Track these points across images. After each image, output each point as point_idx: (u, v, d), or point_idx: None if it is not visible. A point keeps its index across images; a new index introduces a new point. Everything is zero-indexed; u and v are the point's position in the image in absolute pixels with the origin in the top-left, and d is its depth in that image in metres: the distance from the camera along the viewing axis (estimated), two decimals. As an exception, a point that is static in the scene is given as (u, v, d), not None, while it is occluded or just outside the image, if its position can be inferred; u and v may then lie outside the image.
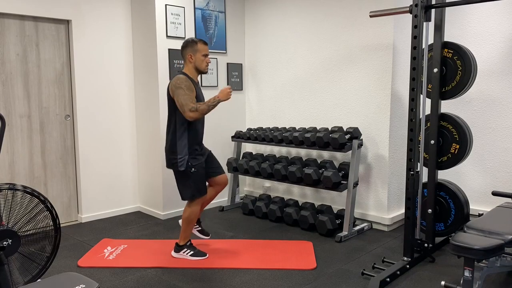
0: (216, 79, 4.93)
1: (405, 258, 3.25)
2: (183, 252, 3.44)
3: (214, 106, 3.25)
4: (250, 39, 5.17)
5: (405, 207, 3.27)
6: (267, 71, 5.00)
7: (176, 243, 3.48)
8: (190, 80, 3.27)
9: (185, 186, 3.33)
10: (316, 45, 4.48)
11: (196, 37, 4.59)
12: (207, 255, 3.47)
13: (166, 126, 3.41)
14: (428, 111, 3.48)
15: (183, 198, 3.40)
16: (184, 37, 4.53)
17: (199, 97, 3.34)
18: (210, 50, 4.81)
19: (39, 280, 2.59)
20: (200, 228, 3.66)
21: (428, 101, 3.51)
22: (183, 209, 3.44)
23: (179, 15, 4.50)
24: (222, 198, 4.96)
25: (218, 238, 3.94)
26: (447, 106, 4.15)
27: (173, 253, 3.48)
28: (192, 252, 3.44)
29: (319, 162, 4.26)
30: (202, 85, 4.68)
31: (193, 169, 3.28)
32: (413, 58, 3.14)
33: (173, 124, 3.29)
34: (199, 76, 3.94)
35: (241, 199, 5.03)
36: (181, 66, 4.52)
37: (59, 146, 4.37)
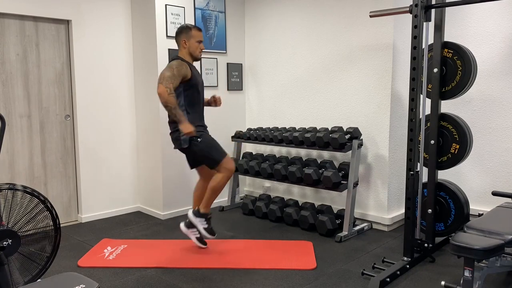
0: (216, 79, 4.93)
1: (405, 258, 3.25)
2: (200, 221, 3.47)
3: (173, 115, 3.22)
4: (250, 39, 5.17)
5: (405, 207, 3.27)
6: (267, 71, 5.00)
7: (198, 208, 3.50)
8: (186, 63, 3.34)
9: (203, 156, 3.36)
10: (316, 45, 4.48)
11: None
12: (216, 235, 3.54)
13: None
14: (428, 111, 3.48)
15: (212, 167, 3.41)
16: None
17: (196, 78, 3.40)
18: (210, 50, 4.85)
19: (39, 280, 2.59)
20: (199, 236, 3.62)
21: (428, 101, 3.51)
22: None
23: (179, 15, 4.50)
24: (222, 198, 4.96)
25: (218, 238, 3.94)
26: (447, 106, 4.15)
27: (189, 214, 3.51)
28: (206, 226, 3.47)
29: (319, 162, 4.26)
30: (202, 85, 4.68)
31: (199, 139, 3.32)
32: (413, 58, 3.14)
33: None
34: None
35: (241, 199, 5.03)
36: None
37: (59, 146, 4.37)
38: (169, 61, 3.40)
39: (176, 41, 3.46)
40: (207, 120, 3.73)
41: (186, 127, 3.21)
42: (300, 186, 4.45)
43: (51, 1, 4.12)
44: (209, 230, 3.49)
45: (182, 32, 3.42)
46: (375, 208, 4.15)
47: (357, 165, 3.96)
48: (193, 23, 4.65)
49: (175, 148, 3.47)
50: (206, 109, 3.80)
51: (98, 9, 4.43)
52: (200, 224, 3.47)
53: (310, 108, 4.60)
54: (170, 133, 3.45)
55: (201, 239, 3.61)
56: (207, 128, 3.57)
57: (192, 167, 3.66)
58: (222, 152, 3.41)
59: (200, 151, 3.37)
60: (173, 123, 3.38)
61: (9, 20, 3.98)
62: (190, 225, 3.58)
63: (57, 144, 4.36)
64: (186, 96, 3.36)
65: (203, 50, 3.49)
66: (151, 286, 2.99)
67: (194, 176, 4.68)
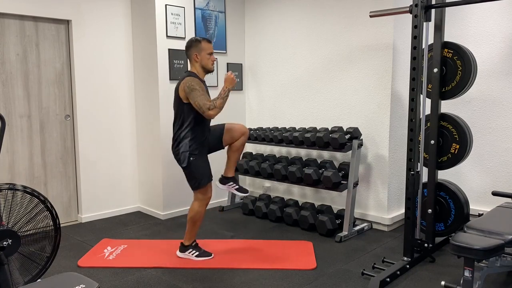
0: (216, 79, 4.92)
1: (405, 258, 3.25)
2: (189, 253, 3.44)
3: (227, 96, 3.24)
4: (250, 39, 5.17)
5: (405, 207, 3.27)
6: (267, 71, 5.00)
7: (182, 243, 3.48)
8: (199, 80, 3.28)
9: (190, 176, 3.34)
10: (316, 45, 4.48)
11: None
12: (212, 255, 3.47)
13: (172, 124, 3.40)
14: (428, 111, 3.48)
15: (192, 189, 3.39)
16: (184, 37, 4.53)
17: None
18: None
19: (39, 280, 2.59)
20: (238, 186, 3.57)
21: (428, 101, 3.51)
22: (186, 208, 3.44)
23: (179, 15, 4.50)
24: (222, 198, 4.96)
25: (218, 238, 3.94)
26: (447, 106, 4.14)
27: (178, 253, 3.48)
28: (197, 253, 3.44)
29: (319, 162, 4.26)
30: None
31: (191, 158, 3.28)
32: (413, 58, 3.14)
33: (179, 123, 3.30)
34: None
35: (241, 199, 5.03)
36: (181, 66, 4.52)
37: (59, 146, 4.37)
38: (182, 79, 3.26)
39: (187, 56, 3.36)
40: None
41: (230, 83, 3.22)
42: (300, 186, 4.45)
43: (51, 1, 4.12)
44: (204, 253, 3.46)
45: (192, 45, 3.32)
46: (375, 208, 4.15)
47: (357, 165, 3.96)
48: (193, 23, 4.65)
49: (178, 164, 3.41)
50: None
51: (98, 9, 4.43)
52: (191, 255, 3.42)
53: (310, 108, 4.60)
54: (172, 147, 3.39)
55: (241, 188, 3.55)
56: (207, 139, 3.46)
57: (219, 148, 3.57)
58: (200, 182, 3.32)
59: (186, 171, 3.34)
60: (175, 147, 3.33)
61: (9, 20, 3.98)
62: (224, 181, 3.54)
63: (57, 144, 4.36)
64: (194, 114, 3.25)
65: (214, 62, 3.40)
66: (151, 286, 2.99)
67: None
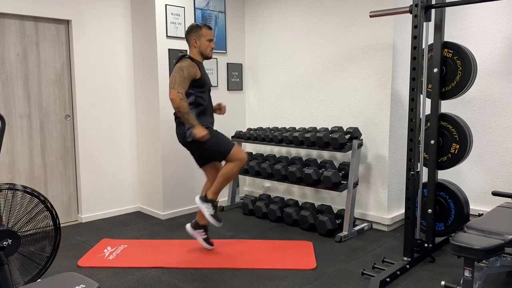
0: (216, 79, 4.93)
1: (405, 258, 3.25)
2: (206, 207, 3.39)
3: (186, 120, 3.23)
4: (250, 39, 5.17)
5: (405, 207, 3.27)
6: (267, 71, 5.00)
7: (205, 194, 3.43)
8: (195, 63, 3.32)
9: (213, 149, 3.32)
10: (316, 45, 4.48)
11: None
12: (222, 222, 3.45)
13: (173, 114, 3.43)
14: (428, 111, 3.48)
15: (222, 158, 3.38)
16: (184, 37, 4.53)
17: (204, 79, 3.39)
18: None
19: (39, 280, 2.59)
20: (206, 236, 3.62)
21: (428, 101, 3.51)
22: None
23: (179, 15, 4.50)
24: (222, 198, 4.96)
25: (218, 238, 3.94)
26: (447, 106, 4.15)
27: (196, 199, 3.43)
28: (213, 212, 3.38)
29: (319, 162, 4.26)
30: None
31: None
32: (413, 58, 3.14)
33: None
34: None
35: (241, 199, 5.03)
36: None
37: (59, 146, 4.37)
38: (178, 59, 3.34)
39: (187, 40, 3.44)
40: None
41: (199, 131, 3.20)
42: (300, 186, 4.45)
43: (51, 1, 4.12)
44: (216, 217, 3.41)
45: (192, 31, 3.40)
46: (375, 208, 4.15)
47: (357, 165, 3.96)
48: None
49: (180, 142, 3.42)
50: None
51: (98, 9, 4.43)
52: (207, 210, 3.39)
53: (310, 108, 4.60)
54: (176, 128, 3.43)
55: (207, 240, 3.58)
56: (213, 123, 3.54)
57: (200, 165, 3.60)
58: (229, 145, 3.37)
59: (207, 146, 3.33)
60: (178, 118, 3.36)
61: (9, 20, 3.98)
62: (196, 226, 3.57)
63: (57, 144, 4.36)
64: (195, 96, 3.33)
65: (213, 49, 3.47)
66: (151, 286, 2.99)
67: (193, 176, 4.69)
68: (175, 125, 3.45)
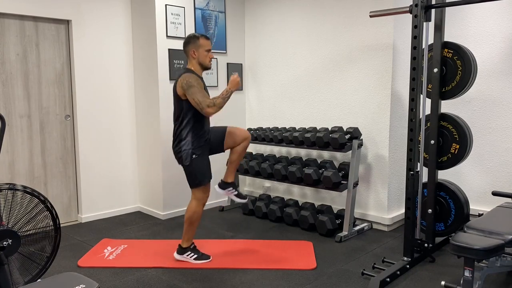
0: (216, 79, 4.93)
1: (405, 258, 3.25)
2: (187, 255, 3.40)
3: (228, 97, 3.23)
4: (250, 39, 5.17)
5: (405, 207, 3.27)
6: (267, 71, 5.00)
7: (179, 245, 3.43)
8: (197, 76, 3.26)
9: (191, 174, 3.33)
10: (316, 45, 4.48)
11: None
12: (211, 258, 3.43)
13: (173, 124, 3.38)
14: (428, 111, 3.48)
15: (191, 187, 3.38)
16: (184, 37, 4.52)
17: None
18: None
19: (39, 280, 2.59)
20: (237, 192, 3.56)
21: (428, 101, 3.51)
22: (185, 208, 3.42)
23: (179, 15, 4.50)
24: (222, 198, 4.96)
25: (218, 238, 3.94)
26: (447, 106, 4.14)
27: (175, 255, 3.43)
28: (195, 256, 3.40)
29: (319, 162, 4.26)
30: (202, 85, 4.68)
31: (194, 156, 3.27)
32: (413, 58, 3.14)
33: (179, 121, 3.28)
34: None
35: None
36: (181, 66, 4.52)
37: (59, 146, 4.37)
38: (180, 75, 3.25)
39: (185, 52, 3.35)
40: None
41: (234, 86, 3.23)
42: (300, 186, 4.45)
43: (51, 1, 4.12)
44: (240, 195, 3.50)
45: (190, 42, 3.31)
46: (375, 208, 4.15)
47: (357, 165, 3.96)
48: (193, 23, 4.65)
49: (179, 164, 3.39)
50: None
51: (98, 9, 4.43)
52: (189, 258, 3.39)
53: (310, 108, 4.60)
54: (174, 151, 3.38)
55: (239, 195, 3.54)
56: (207, 138, 3.44)
57: (221, 150, 3.54)
58: (200, 181, 3.32)
59: (186, 170, 3.33)
60: (176, 146, 3.32)
61: (9, 20, 3.98)
62: (224, 185, 3.52)
63: (57, 144, 4.36)
64: (193, 111, 3.24)
65: (212, 59, 3.41)
66: (151, 286, 2.99)
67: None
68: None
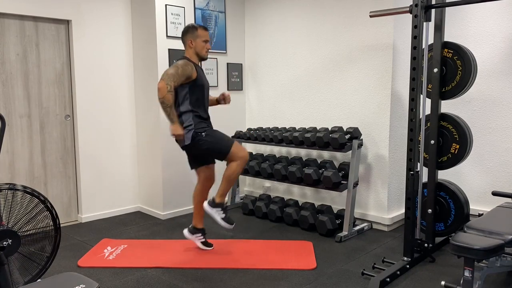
0: (216, 79, 4.93)
1: (405, 258, 3.25)
2: (216, 212, 3.39)
3: (167, 113, 3.21)
4: (250, 39, 5.18)
5: (405, 207, 3.27)
6: (267, 71, 5.00)
7: (213, 198, 3.42)
8: (191, 63, 3.32)
9: (213, 147, 3.33)
10: (316, 45, 4.48)
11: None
12: (234, 224, 3.48)
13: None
14: (428, 111, 3.48)
15: (223, 158, 3.38)
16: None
17: (201, 79, 3.39)
18: (210, 50, 4.83)
19: (39, 280, 2.59)
20: (204, 240, 3.64)
21: (428, 101, 3.51)
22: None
23: (179, 15, 4.50)
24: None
25: (218, 238, 3.94)
26: (447, 106, 4.15)
27: (205, 205, 3.42)
28: (224, 215, 3.39)
29: (319, 162, 4.26)
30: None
31: (203, 133, 3.30)
32: (413, 58, 3.14)
33: (177, 102, 3.33)
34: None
35: (241, 199, 5.03)
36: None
37: (59, 146, 4.37)
38: (176, 61, 3.37)
39: (182, 41, 3.45)
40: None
41: (176, 129, 3.22)
42: (300, 186, 4.45)
43: (51, 1, 4.12)
44: (227, 219, 3.43)
45: (188, 31, 3.40)
46: (375, 208, 4.15)
47: (357, 165, 3.96)
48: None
49: (181, 146, 3.43)
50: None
51: (98, 9, 4.43)
52: (217, 214, 3.39)
53: (310, 108, 4.60)
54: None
55: (206, 243, 3.62)
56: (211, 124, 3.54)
57: (192, 167, 3.62)
58: (229, 143, 3.36)
59: (207, 147, 3.34)
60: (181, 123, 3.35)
61: (9, 20, 3.98)
62: (194, 231, 3.60)
63: (57, 144, 4.36)
64: (192, 96, 3.33)
65: (209, 50, 3.48)
66: (151, 286, 2.99)
67: (194, 176, 4.68)
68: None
